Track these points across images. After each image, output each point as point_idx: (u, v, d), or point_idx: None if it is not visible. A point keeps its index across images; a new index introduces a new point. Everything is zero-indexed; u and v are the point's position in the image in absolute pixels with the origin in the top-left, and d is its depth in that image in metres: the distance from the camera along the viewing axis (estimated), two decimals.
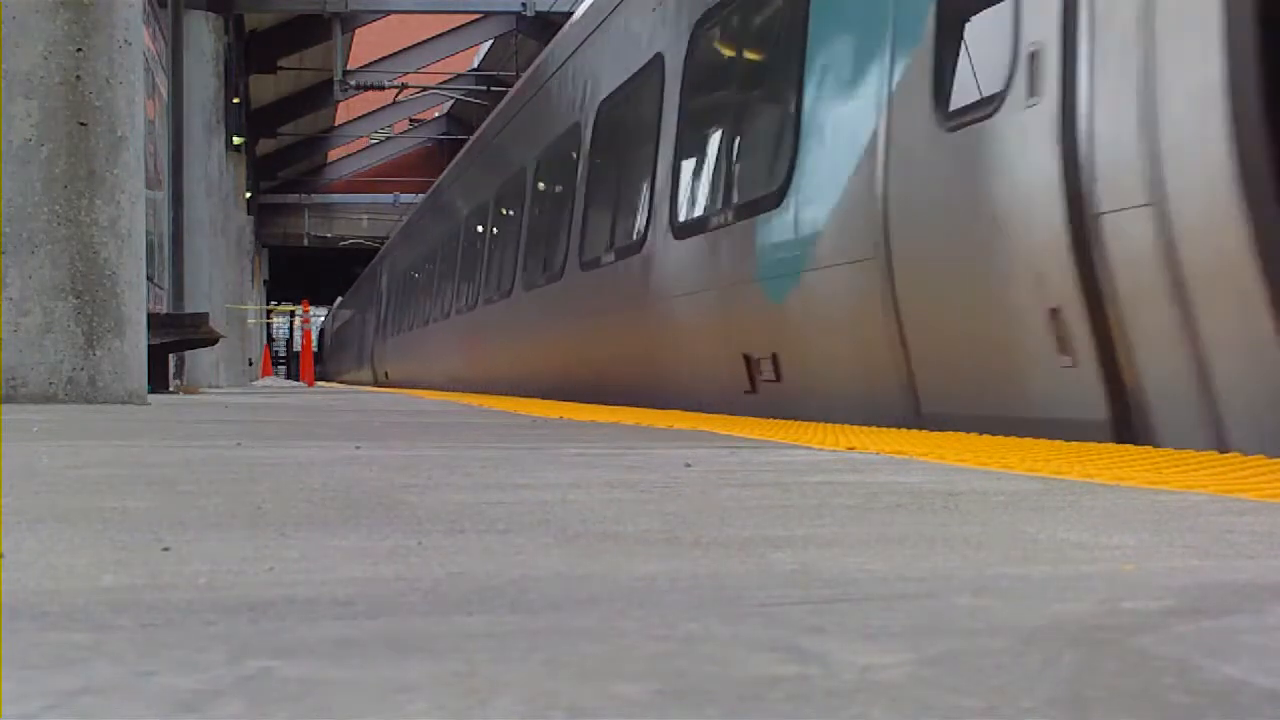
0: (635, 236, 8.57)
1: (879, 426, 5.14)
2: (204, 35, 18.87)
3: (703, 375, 7.36)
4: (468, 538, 1.67)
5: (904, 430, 4.77)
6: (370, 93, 28.15)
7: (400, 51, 28.62)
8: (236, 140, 24.56)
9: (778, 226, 6.29)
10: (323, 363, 51.68)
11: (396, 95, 30.95)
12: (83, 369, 7.20)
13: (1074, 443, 3.88)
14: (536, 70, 13.01)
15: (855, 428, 5.06)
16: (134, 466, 2.86)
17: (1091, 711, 0.81)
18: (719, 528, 1.79)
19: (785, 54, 6.46)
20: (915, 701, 0.83)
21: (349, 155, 41.62)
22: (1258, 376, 3.49)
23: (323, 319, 58.28)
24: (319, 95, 29.87)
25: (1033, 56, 4.24)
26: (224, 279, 20.93)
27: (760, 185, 6.61)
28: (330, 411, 7.11)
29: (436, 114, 39.11)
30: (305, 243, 43.91)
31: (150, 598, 1.23)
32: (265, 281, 45.72)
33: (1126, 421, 3.99)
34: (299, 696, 0.84)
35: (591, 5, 10.65)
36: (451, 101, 36.16)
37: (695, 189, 7.76)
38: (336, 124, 36.94)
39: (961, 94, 4.75)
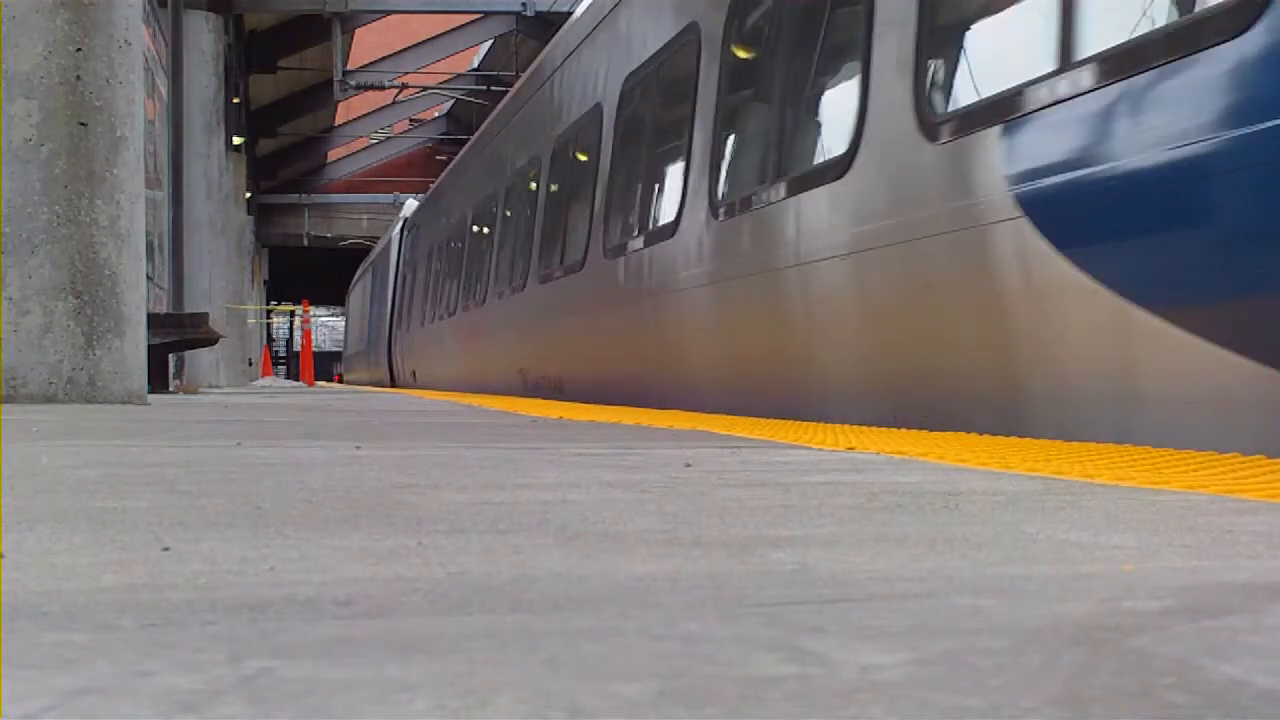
0: None
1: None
2: (204, 35, 18.88)
3: None
4: (468, 538, 1.67)
5: (904, 430, 4.77)
6: (370, 93, 28.17)
7: (400, 51, 28.63)
8: (236, 140, 24.57)
9: None
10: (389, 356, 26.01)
11: (396, 95, 30.96)
12: (82, 369, 7.20)
13: (1074, 443, 3.88)
14: None
15: (855, 428, 5.06)
16: (134, 466, 2.86)
17: (1091, 711, 0.81)
18: (719, 528, 1.79)
19: None
20: (915, 701, 0.83)
21: (349, 155, 41.62)
22: None
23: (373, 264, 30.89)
24: (319, 95, 29.88)
25: None
26: (224, 279, 20.94)
27: None
28: (330, 411, 7.11)
29: (436, 114, 39.13)
30: (305, 243, 43.91)
31: (150, 598, 1.23)
32: (265, 281, 45.70)
33: None
34: (299, 696, 0.84)
35: None
36: (451, 101, 36.16)
37: None
38: (336, 124, 36.96)
39: None
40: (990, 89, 4.80)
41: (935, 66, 5.34)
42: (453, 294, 18.35)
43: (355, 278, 38.77)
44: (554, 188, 12.43)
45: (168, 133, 16.49)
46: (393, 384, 25.64)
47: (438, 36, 27.97)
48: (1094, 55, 4.19)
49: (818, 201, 6.21)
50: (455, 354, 17.94)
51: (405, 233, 26.29)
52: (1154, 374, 4.01)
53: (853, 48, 6.08)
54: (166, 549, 1.55)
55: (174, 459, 3.11)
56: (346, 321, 42.69)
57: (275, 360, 54.42)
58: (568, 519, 1.88)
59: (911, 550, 1.57)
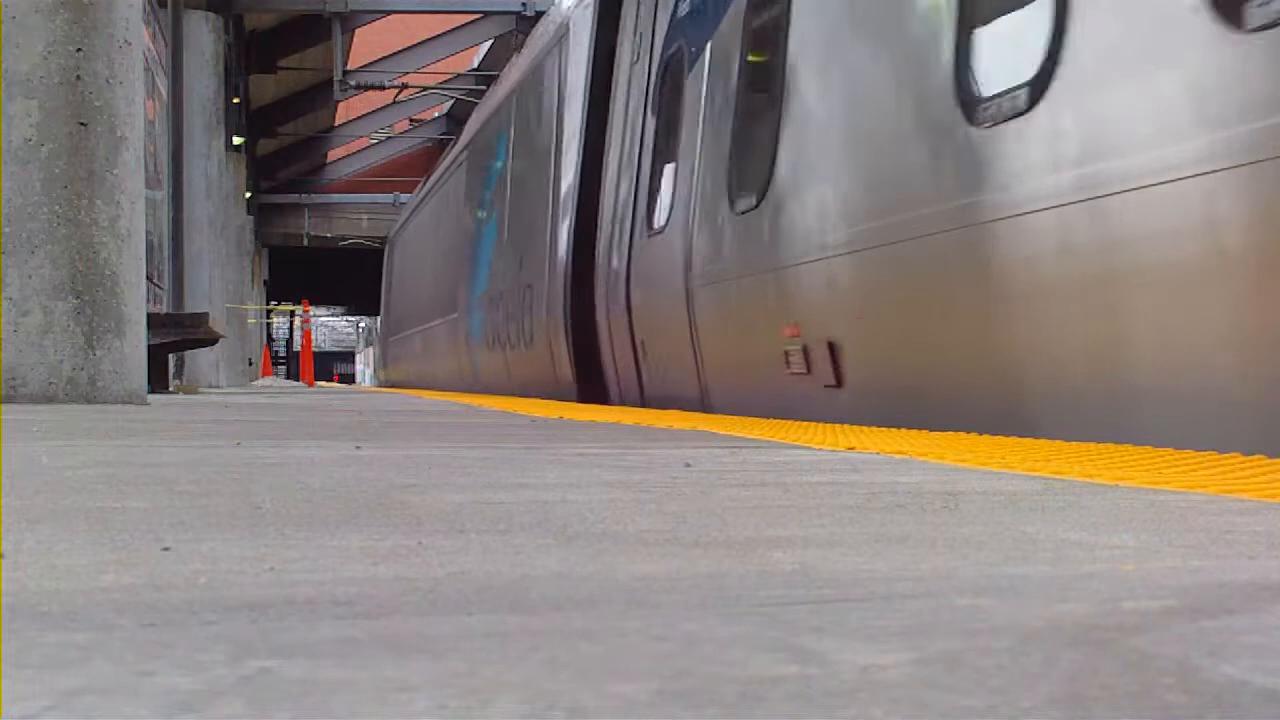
0: None
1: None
2: (204, 35, 18.88)
3: None
4: (468, 538, 1.67)
5: (904, 430, 4.77)
6: (370, 93, 28.15)
7: (400, 51, 28.61)
8: (236, 140, 24.57)
9: None
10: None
11: (396, 95, 30.93)
12: (83, 369, 7.20)
13: (1074, 443, 3.88)
14: None
15: (855, 428, 5.06)
16: (134, 466, 2.86)
17: (1091, 711, 0.81)
18: (719, 528, 1.79)
19: None
20: (915, 701, 0.83)
21: (349, 155, 41.60)
22: None
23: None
24: (319, 95, 29.87)
25: None
26: (224, 279, 20.94)
27: None
28: (330, 411, 7.10)
29: (436, 114, 39.11)
30: (305, 243, 43.88)
31: (150, 598, 1.23)
32: (265, 281, 45.66)
33: None
34: (299, 696, 0.84)
35: None
36: (451, 101, 36.15)
37: None
38: (336, 124, 36.92)
39: None
40: None
41: None
42: None
43: (412, 204, 24.28)
44: None
45: (168, 133, 16.49)
46: (588, 397, 10.35)
47: (438, 36, 27.96)
48: None
49: None
50: None
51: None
52: None
53: None
54: (166, 549, 1.55)
55: (174, 459, 3.11)
56: (386, 286, 27.52)
57: (275, 360, 54.34)
58: (568, 519, 1.88)
59: (911, 550, 1.57)
